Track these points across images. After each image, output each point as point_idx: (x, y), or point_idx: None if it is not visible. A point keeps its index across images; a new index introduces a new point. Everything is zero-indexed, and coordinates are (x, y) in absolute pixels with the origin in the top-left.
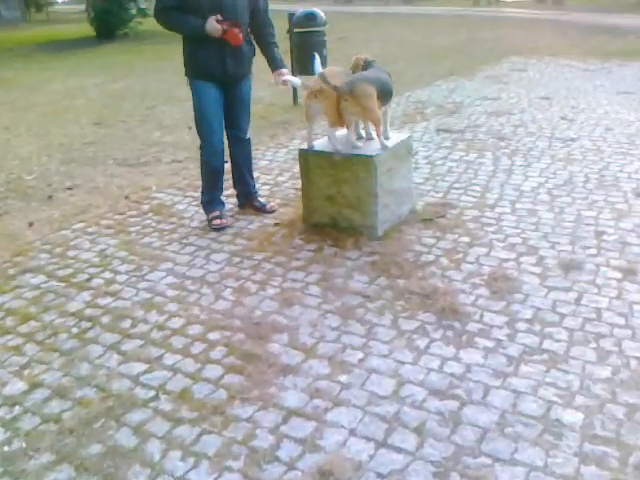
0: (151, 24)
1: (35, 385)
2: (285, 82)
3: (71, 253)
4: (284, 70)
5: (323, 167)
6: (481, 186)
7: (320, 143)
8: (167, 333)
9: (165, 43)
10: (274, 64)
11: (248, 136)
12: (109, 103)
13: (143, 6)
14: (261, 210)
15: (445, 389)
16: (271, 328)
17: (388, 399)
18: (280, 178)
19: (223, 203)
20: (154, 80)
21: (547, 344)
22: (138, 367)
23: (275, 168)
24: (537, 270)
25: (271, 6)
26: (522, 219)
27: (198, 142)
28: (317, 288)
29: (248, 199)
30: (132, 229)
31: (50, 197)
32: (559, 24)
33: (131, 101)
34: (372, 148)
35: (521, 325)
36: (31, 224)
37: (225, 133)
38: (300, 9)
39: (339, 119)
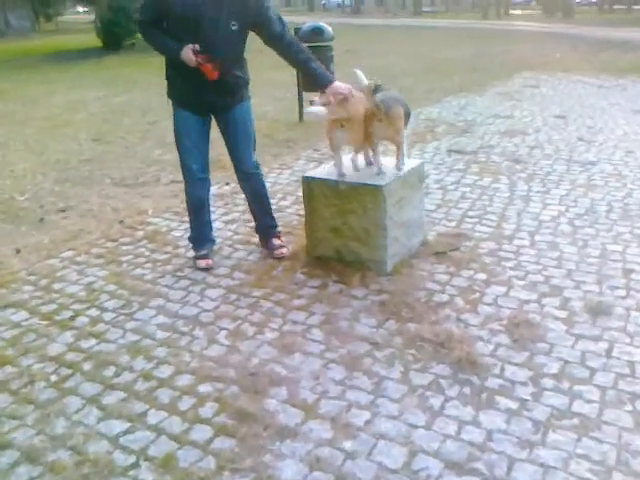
0: None
1: (3, 446)
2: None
3: (57, 286)
4: (336, 84)
5: (327, 196)
6: (497, 215)
7: (325, 170)
8: (153, 384)
9: None
10: (319, 81)
11: (252, 170)
12: (109, 118)
13: None
14: (270, 250)
15: (464, 462)
16: (268, 380)
17: (399, 473)
18: (283, 203)
19: (212, 240)
20: (157, 94)
21: (577, 406)
22: (119, 426)
23: (278, 191)
24: (562, 314)
25: None
26: (543, 253)
27: None
28: (320, 332)
29: (264, 236)
30: (124, 259)
31: (41, 220)
32: (569, 38)
33: (132, 116)
34: (386, 175)
35: (547, 382)
36: (18, 251)
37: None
38: (308, 22)
39: (365, 143)
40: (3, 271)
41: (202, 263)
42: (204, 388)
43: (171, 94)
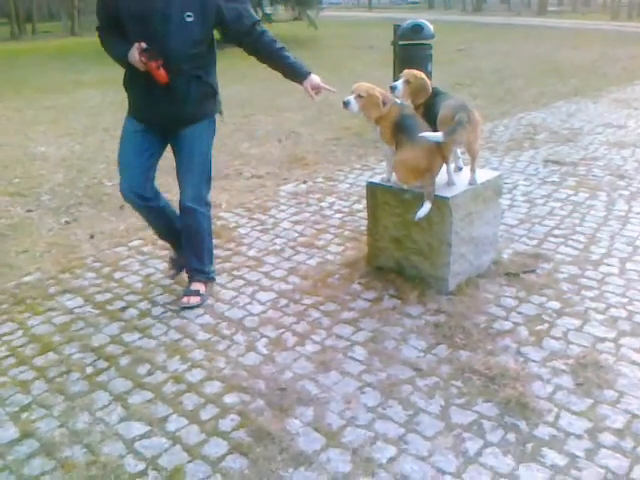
0: (275, 30)
1: (27, 434)
2: (318, 90)
3: (118, 275)
4: (314, 77)
5: (391, 205)
6: (586, 235)
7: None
8: (182, 388)
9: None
10: (297, 73)
11: (189, 204)
12: None
13: (269, 12)
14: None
15: None
16: (297, 398)
17: None
18: (356, 206)
19: (180, 267)
20: (260, 88)
21: (638, 472)
22: (137, 429)
23: (354, 194)
24: None
25: (390, 14)
26: (632, 284)
27: (285, 155)
28: (363, 350)
29: (188, 276)
30: None
31: (122, 207)
32: None
33: (232, 108)
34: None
35: (607, 437)
36: (92, 236)
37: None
38: (420, 19)
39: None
40: (72, 255)
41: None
42: (230, 398)
43: (128, 103)
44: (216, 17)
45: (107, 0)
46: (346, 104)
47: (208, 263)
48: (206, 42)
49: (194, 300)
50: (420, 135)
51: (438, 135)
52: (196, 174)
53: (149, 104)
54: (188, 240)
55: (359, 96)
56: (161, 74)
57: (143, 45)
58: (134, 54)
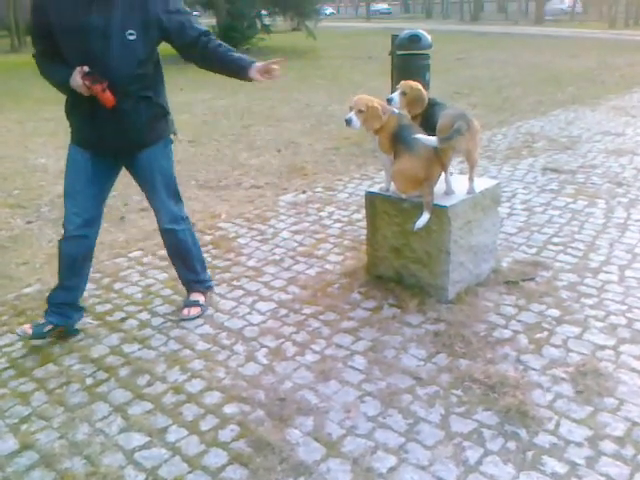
0: (274, 40)
1: (26, 446)
2: (270, 73)
3: (117, 285)
4: (257, 64)
5: (390, 214)
6: (585, 243)
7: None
8: (181, 399)
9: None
10: (243, 64)
11: (170, 226)
12: (209, 120)
13: (267, 23)
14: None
15: None
16: (296, 408)
17: None
18: (356, 216)
19: (65, 315)
20: (259, 98)
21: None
22: (137, 440)
23: (353, 204)
24: None
25: (388, 24)
26: (631, 292)
27: (284, 165)
28: (363, 360)
29: (186, 289)
30: None
31: (122, 218)
32: None
33: (231, 119)
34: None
35: (607, 445)
36: None
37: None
38: (418, 29)
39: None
40: None
41: (20, 329)
42: (230, 409)
43: (71, 130)
44: (159, 31)
45: (39, 18)
46: (348, 122)
47: (202, 272)
48: (152, 60)
49: (194, 311)
50: (414, 137)
51: (433, 139)
52: (164, 196)
53: (96, 130)
54: (177, 257)
55: (359, 111)
56: (107, 97)
57: (85, 69)
58: (76, 78)
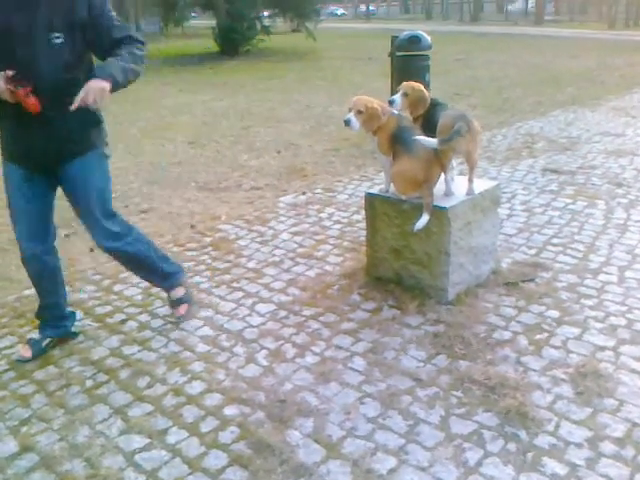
0: (274, 42)
1: (26, 448)
2: (89, 101)
3: (117, 287)
4: (97, 82)
5: (390, 215)
6: (585, 244)
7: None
8: (181, 400)
9: (282, 61)
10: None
11: (108, 244)
12: (209, 121)
13: (267, 24)
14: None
15: None
16: (296, 409)
17: None
18: (355, 217)
19: (58, 326)
20: (259, 99)
21: None
22: (138, 441)
23: (353, 205)
24: None
25: (388, 25)
26: (631, 292)
27: (284, 166)
28: (362, 361)
29: (165, 289)
30: (185, 265)
31: None
32: None
33: (230, 120)
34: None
35: (607, 446)
36: (92, 250)
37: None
38: (418, 30)
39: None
40: (72, 269)
41: (22, 352)
42: (230, 410)
43: (1, 145)
44: (85, 33)
45: None
46: (347, 123)
47: (167, 267)
48: (83, 64)
49: (182, 309)
50: (414, 138)
51: (433, 141)
52: (98, 214)
53: (24, 140)
54: (136, 269)
55: (359, 112)
56: (31, 102)
57: (10, 73)
58: (0, 83)
